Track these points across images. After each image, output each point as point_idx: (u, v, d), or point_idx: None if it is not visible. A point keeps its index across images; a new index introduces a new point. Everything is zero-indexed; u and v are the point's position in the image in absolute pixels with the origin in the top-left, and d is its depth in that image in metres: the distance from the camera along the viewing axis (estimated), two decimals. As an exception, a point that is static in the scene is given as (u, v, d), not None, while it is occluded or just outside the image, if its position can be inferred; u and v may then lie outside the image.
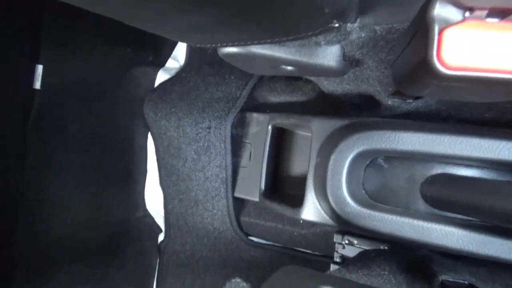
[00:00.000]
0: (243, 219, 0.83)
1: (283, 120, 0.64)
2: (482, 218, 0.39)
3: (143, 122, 0.89)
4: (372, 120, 0.48)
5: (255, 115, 0.78)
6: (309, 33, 0.32)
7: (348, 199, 0.46)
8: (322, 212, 0.51)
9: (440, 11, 0.24)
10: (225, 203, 0.82)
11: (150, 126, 0.88)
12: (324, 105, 0.65)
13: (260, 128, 0.76)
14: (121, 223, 0.88)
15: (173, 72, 0.92)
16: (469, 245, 0.41)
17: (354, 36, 0.40)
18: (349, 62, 0.44)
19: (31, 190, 0.68)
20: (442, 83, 0.24)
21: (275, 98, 0.79)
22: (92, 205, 0.80)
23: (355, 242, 0.66)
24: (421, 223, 0.43)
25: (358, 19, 0.35)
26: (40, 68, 0.70)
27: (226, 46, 0.41)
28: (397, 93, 0.46)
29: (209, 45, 0.40)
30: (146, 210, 0.95)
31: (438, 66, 0.23)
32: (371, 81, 0.47)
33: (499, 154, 0.40)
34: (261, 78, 0.81)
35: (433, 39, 0.24)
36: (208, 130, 0.81)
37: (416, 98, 0.47)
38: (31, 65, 0.69)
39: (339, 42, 0.36)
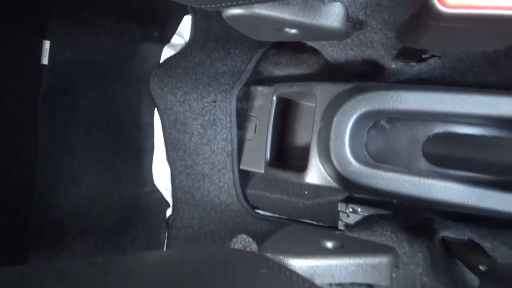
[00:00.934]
0: (249, 191, 0.84)
1: (287, 89, 0.64)
2: (482, 172, 0.40)
3: (149, 98, 0.90)
4: (375, 84, 0.48)
5: (260, 88, 0.79)
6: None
7: (351, 159, 0.47)
8: (326, 174, 0.52)
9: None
10: (231, 176, 0.83)
11: (157, 102, 0.89)
12: (329, 76, 0.66)
13: (265, 101, 0.76)
14: (131, 199, 0.90)
15: (178, 48, 0.92)
16: (469, 199, 0.41)
17: (357, -5, 0.40)
18: (353, 23, 0.45)
19: (44, 166, 0.70)
20: (441, 25, 0.25)
21: (280, 72, 0.80)
22: (103, 180, 0.82)
23: (359, 210, 0.67)
24: (422, 180, 0.43)
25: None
26: (47, 44, 0.71)
27: (229, 6, 0.41)
28: (400, 56, 0.46)
29: (213, 5, 0.41)
30: (154, 186, 0.97)
31: (437, 4, 0.24)
32: (375, 45, 0.47)
33: (500, 110, 0.40)
34: (265, 52, 0.81)
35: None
36: (213, 104, 0.81)
37: (419, 61, 0.47)
38: (38, 41, 0.70)
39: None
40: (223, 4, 0.40)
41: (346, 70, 0.57)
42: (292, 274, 0.31)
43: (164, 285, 0.29)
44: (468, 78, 0.48)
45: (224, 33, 0.88)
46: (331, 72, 0.63)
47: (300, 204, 0.76)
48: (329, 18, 0.42)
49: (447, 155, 0.41)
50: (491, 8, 0.23)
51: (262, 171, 0.72)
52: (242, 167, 0.81)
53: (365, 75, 0.55)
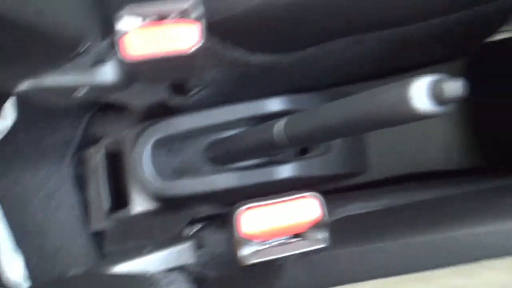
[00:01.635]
0: (107, 250, 0.86)
1: (107, 142, 0.73)
2: (245, 159, 0.55)
3: (-20, 190, 0.87)
4: (161, 118, 0.62)
5: (92, 149, 0.85)
6: (70, 56, 0.43)
7: (156, 179, 0.58)
8: (144, 200, 0.61)
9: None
10: (85, 241, 0.84)
11: None
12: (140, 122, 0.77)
13: (98, 159, 0.83)
14: None
15: (4, 132, 0.92)
16: (239, 181, 0.57)
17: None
18: (129, 75, 0.56)
19: None
20: (134, 68, 0.38)
21: (108, 131, 0.87)
22: None
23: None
24: (208, 178, 0.58)
25: (107, 39, 0.47)
26: None
27: (15, 87, 0.49)
28: (174, 92, 0.60)
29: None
30: (5, 282, 0.91)
31: (122, 56, 0.38)
32: (155, 89, 0.60)
33: (242, 114, 0.57)
34: (93, 115, 0.88)
35: (118, 38, 0.38)
36: (48, 177, 0.84)
37: (193, 94, 0.62)
38: None
39: (102, 59, 0.48)
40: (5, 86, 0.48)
41: (149, 113, 0.69)
42: (107, 275, 0.39)
43: None
44: (231, 97, 0.66)
45: (50, 106, 0.92)
46: (140, 119, 0.75)
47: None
48: (104, 75, 0.53)
49: (219, 154, 0.55)
50: (149, 55, 0.38)
51: (107, 224, 0.77)
52: (93, 228, 0.84)
53: (162, 114, 0.68)
